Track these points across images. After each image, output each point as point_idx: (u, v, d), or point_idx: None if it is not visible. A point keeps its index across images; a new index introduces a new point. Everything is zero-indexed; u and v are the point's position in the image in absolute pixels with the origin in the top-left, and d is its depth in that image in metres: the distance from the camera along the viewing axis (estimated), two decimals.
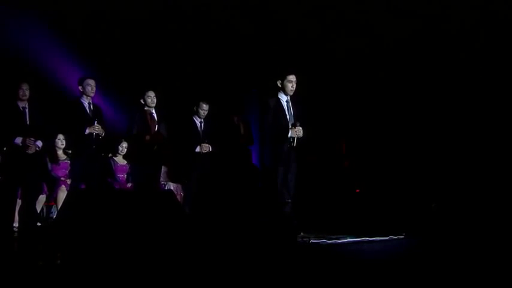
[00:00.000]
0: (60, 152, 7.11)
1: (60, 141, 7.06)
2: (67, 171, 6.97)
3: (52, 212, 6.89)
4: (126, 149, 7.46)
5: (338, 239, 5.32)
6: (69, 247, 4.41)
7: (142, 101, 6.40)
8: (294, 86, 5.80)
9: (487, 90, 7.44)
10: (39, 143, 5.64)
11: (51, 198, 6.81)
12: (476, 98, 7.49)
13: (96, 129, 5.91)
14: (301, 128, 5.71)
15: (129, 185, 7.39)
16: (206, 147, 6.79)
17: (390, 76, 8.00)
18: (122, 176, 7.49)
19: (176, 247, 4.46)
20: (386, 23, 7.69)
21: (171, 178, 7.81)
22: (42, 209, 6.74)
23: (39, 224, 6.37)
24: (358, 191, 7.80)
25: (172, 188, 7.57)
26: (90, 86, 6.00)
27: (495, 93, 7.40)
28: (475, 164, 7.25)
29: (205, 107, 6.89)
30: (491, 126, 7.31)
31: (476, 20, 7.28)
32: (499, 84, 7.39)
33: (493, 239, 5.32)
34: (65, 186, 6.72)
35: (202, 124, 6.92)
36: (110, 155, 7.48)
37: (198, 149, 6.78)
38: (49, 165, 6.97)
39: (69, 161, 6.96)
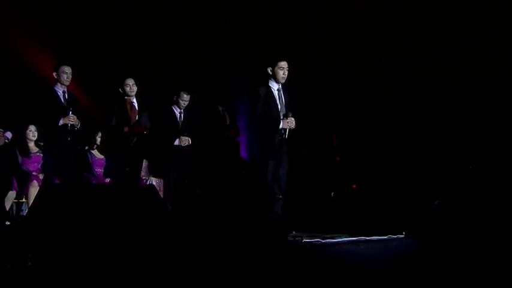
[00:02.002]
0: (31, 145, 7.03)
1: (32, 132, 6.97)
2: (39, 165, 6.89)
3: (22, 210, 6.84)
4: None
5: (333, 238, 5.32)
6: (40, 248, 4.36)
7: (120, 89, 6.34)
8: (286, 73, 5.76)
9: (491, 81, 7.49)
10: (9, 134, 5.60)
11: (22, 195, 6.75)
12: (480, 92, 7.53)
13: (71, 119, 5.86)
14: (293, 119, 5.69)
15: (107, 180, 7.35)
16: (185, 140, 6.74)
17: (389, 68, 8.03)
18: (100, 170, 7.46)
19: (157, 246, 4.44)
20: (378, 14, 7.73)
21: (152, 173, 7.77)
22: (11, 206, 6.70)
23: (8, 222, 6.32)
24: (354, 186, 7.81)
25: (154, 183, 7.54)
26: (66, 74, 5.94)
27: (500, 85, 7.45)
28: (480, 160, 7.28)
29: (186, 97, 6.83)
30: (499, 119, 7.36)
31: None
32: (504, 76, 7.44)
33: (497, 239, 5.34)
34: (37, 182, 6.65)
35: (182, 115, 6.87)
36: (86, 147, 7.43)
37: (177, 142, 6.73)
38: (19, 158, 6.89)
39: (41, 154, 6.88)
